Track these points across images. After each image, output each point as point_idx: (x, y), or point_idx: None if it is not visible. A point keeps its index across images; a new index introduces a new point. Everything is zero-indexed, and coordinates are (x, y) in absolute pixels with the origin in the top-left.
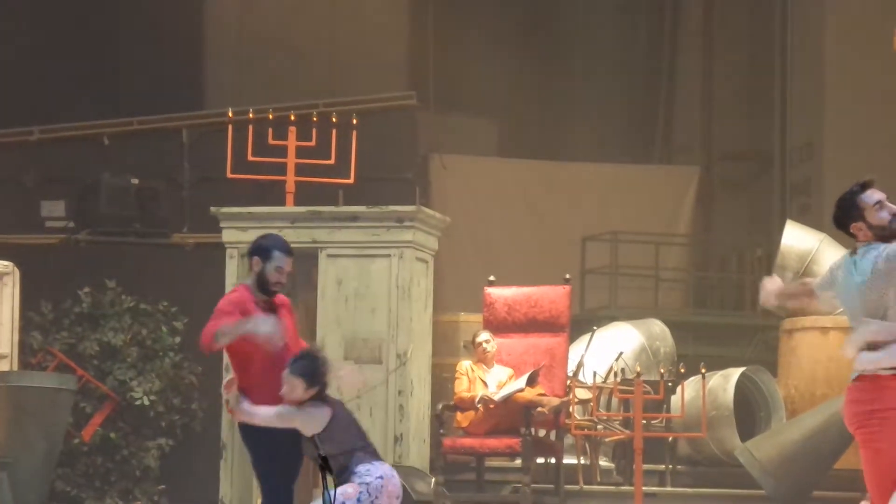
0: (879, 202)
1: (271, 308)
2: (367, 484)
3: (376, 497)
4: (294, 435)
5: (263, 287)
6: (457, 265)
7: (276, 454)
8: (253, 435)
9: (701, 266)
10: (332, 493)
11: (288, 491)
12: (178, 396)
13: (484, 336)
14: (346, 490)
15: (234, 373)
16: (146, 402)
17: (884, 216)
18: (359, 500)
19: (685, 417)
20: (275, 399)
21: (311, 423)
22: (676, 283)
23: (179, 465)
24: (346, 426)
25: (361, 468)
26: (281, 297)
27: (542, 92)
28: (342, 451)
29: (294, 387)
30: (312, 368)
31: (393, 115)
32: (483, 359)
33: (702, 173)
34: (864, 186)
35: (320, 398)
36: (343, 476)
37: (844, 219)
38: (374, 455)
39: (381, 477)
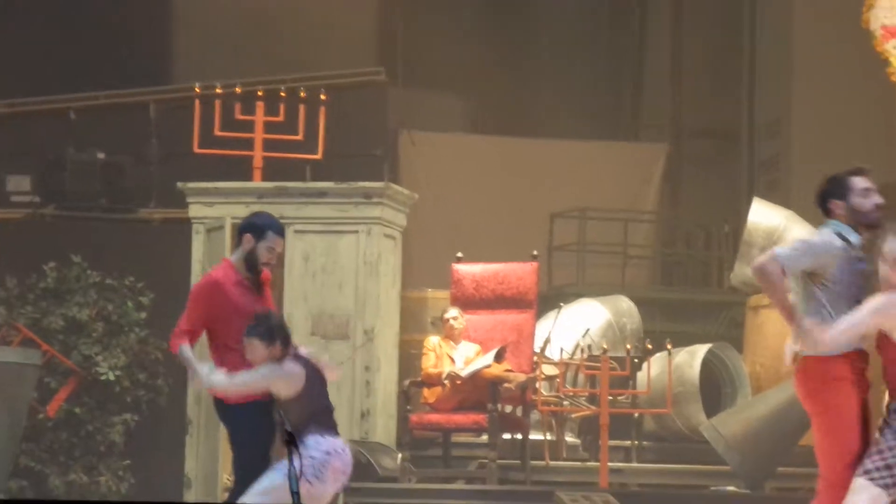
0: (868, 189)
1: (257, 285)
2: (312, 458)
3: (320, 471)
4: (268, 406)
5: (253, 265)
6: (425, 241)
7: (252, 427)
8: (228, 410)
9: (668, 243)
10: (296, 467)
11: (265, 460)
12: (144, 372)
13: (452, 313)
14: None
15: (210, 344)
16: (111, 378)
17: (867, 203)
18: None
19: (651, 394)
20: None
21: (287, 381)
22: (644, 260)
23: (145, 441)
24: (315, 392)
25: (311, 439)
26: (265, 272)
27: (512, 69)
28: (299, 419)
29: (254, 348)
30: (266, 326)
31: (361, 90)
32: (451, 335)
33: (669, 150)
34: (859, 171)
35: (292, 357)
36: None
37: (828, 193)
38: (327, 427)
39: (328, 452)
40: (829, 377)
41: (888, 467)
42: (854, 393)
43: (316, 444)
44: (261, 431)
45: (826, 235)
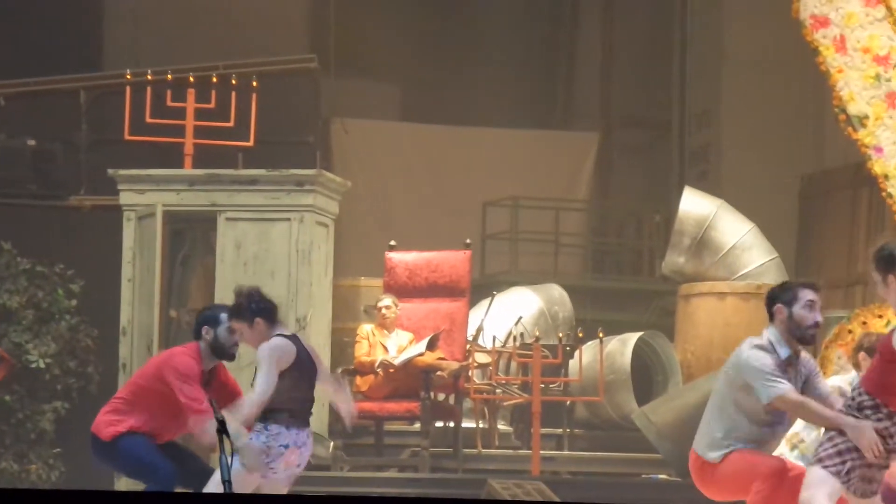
0: (812, 302)
1: (208, 380)
2: (270, 447)
3: (273, 460)
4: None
5: (220, 352)
6: (357, 229)
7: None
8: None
9: (600, 231)
10: (227, 457)
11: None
12: (74, 360)
13: (386, 301)
14: (252, 444)
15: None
16: (42, 365)
17: (808, 316)
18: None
19: (583, 381)
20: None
21: (280, 357)
22: (576, 249)
23: (75, 429)
24: (300, 378)
25: (274, 427)
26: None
27: (444, 57)
28: (275, 400)
29: (239, 330)
30: (236, 304)
31: (293, 78)
32: (384, 324)
33: (601, 139)
34: (811, 284)
35: (279, 334)
36: (259, 423)
37: (775, 297)
38: (299, 420)
39: (285, 446)
40: None
41: (839, 454)
42: None
43: (277, 436)
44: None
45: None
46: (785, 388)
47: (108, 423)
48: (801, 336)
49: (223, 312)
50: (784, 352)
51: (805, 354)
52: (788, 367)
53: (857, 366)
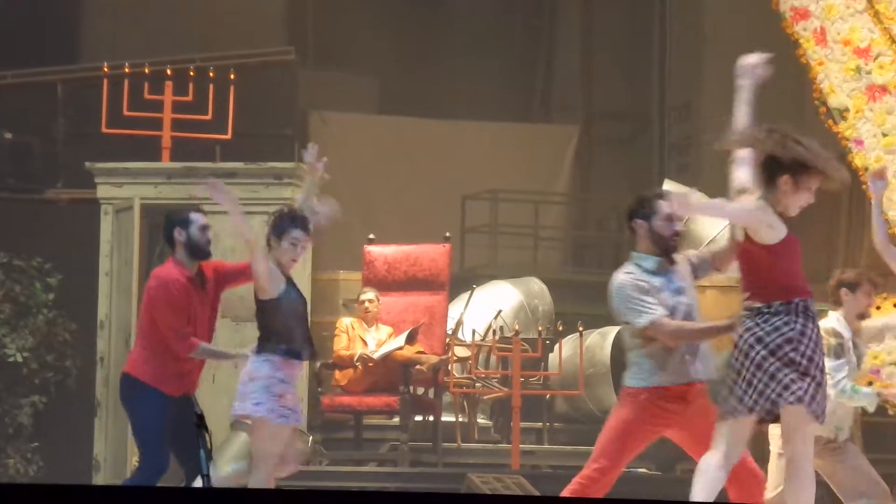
0: (671, 216)
1: (202, 281)
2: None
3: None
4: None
5: (196, 252)
6: (336, 223)
7: (152, 413)
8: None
9: (579, 225)
10: (206, 451)
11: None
12: (52, 353)
13: (369, 295)
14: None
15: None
16: (19, 359)
17: (667, 228)
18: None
19: (563, 375)
20: (175, 365)
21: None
22: (555, 242)
23: (53, 423)
24: (290, 319)
25: (275, 357)
26: (207, 264)
27: (423, 49)
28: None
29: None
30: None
31: (271, 70)
32: (366, 318)
33: (581, 132)
34: (665, 195)
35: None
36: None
37: (634, 212)
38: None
39: (282, 380)
40: None
41: (749, 384)
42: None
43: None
44: (160, 420)
45: (621, 278)
46: (657, 314)
47: (131, 362)
48: (665, 248)
49: (192, 212)
50: (651, 263)
51: (678, 257)
52: (663, 276)
53: (837, 303)
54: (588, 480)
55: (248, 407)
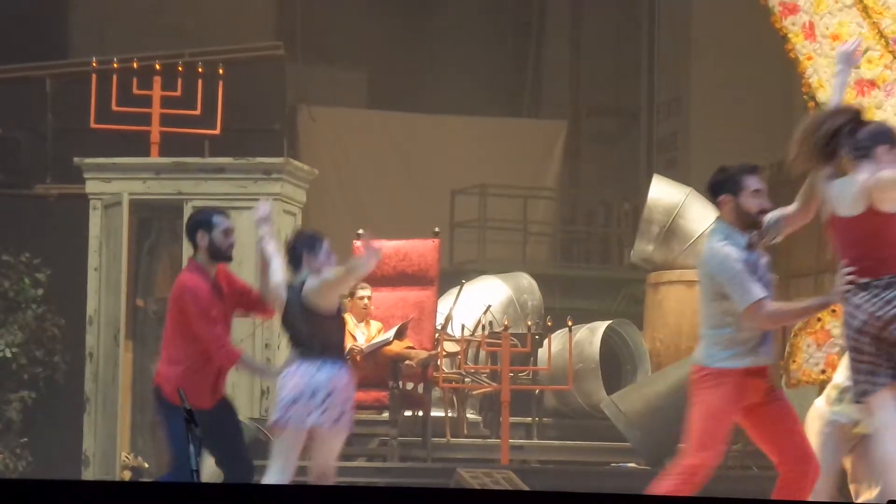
0: (758, 190)
1: (220, 290)
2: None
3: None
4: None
5: (218, 255)
6: (325, 218)
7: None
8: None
9: (568, 220)
10: (195, 447)
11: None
12: (41, 349)
13: (366, 291)
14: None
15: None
16: (8, 355)
17: (754, 204)
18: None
19: (552, 370)
20: (204, 385)
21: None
22: (544, 237)
23: (42, 419)
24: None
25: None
26: (220, 274)
27: (412, 44)
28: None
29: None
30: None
31: (260, 65)
32: (360, 313)
33: (570, 127)
34: (753, 170)
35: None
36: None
37: (718, 187)
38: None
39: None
40: None
41: (870, 372)
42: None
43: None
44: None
45: (726, 249)
46: (761, 295)
47: (162, 377)
48: (752, 223)
49: (215, 214)
50: (742, 238)
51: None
52: (752, 251)
53: None
54: (688, 473)
55: (322, 418)
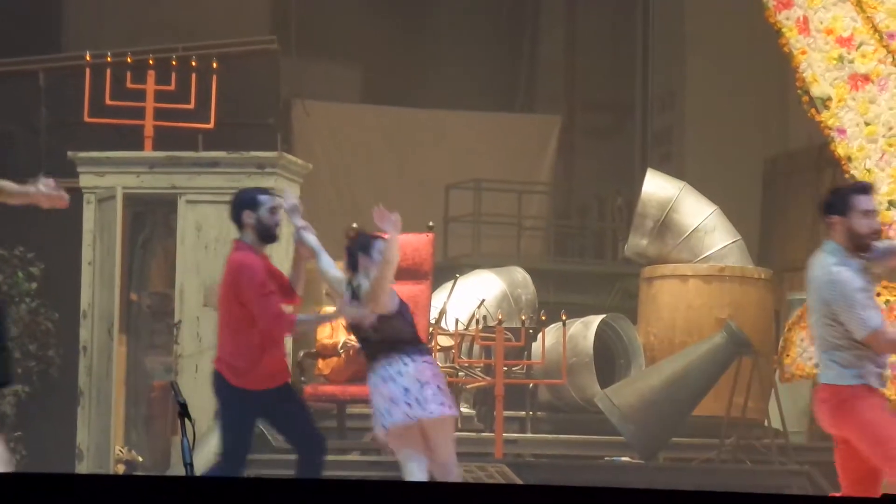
0: (869, 210)
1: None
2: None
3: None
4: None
5: (266, 234)
6: (319, 212)
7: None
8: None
9: (562, 214)
10: (189, 441)
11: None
12: (35, 343)
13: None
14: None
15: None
16: None
17: (864, 225)
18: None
19: (546, 364)
20: (267, 370)
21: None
22: (538, 231)
23: (36, 413)
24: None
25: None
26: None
27: (406, 39)
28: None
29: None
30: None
31: (254, 59)
32: None
33: (564, 122)
34: (864, 189)
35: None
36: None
37: (829, 207)
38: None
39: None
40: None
41: None
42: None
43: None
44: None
45: (844, 275)
46: (879, 322)
47: (224, 363)
48: (862, 245)
49: (260, 194)
50: (856, 262)
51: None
52: (864, 273)
53: None
54: None
55: (434, 408)
